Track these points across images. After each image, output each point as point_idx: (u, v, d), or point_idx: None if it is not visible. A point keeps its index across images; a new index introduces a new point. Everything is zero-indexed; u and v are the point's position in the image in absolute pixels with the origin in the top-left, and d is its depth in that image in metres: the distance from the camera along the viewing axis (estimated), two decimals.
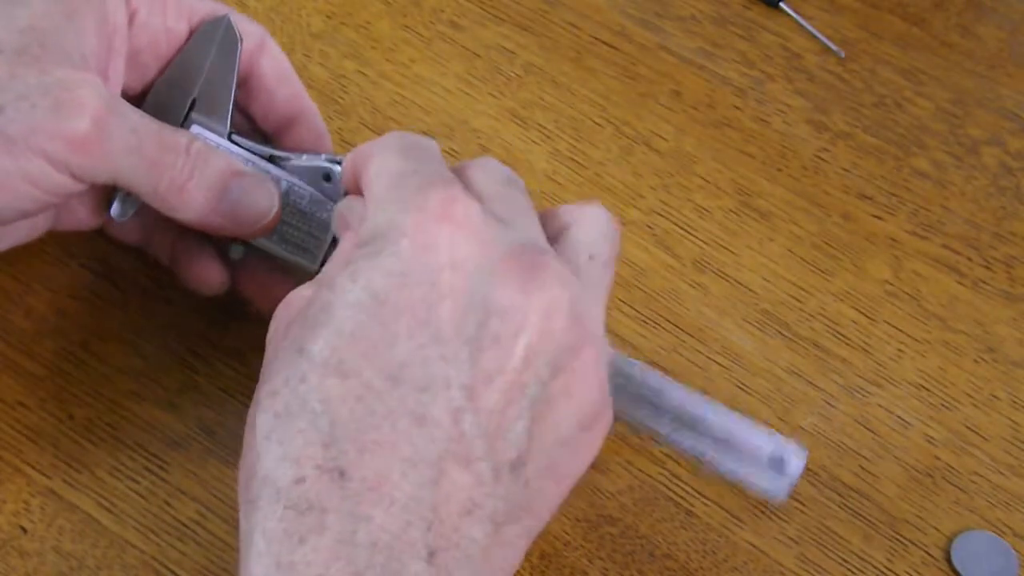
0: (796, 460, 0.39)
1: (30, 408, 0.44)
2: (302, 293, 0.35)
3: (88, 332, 0.45)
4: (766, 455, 0.39)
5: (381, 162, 0.36)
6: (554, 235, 0.37)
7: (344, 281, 0.33)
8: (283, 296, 0.42)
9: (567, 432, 0.34)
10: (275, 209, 0.41)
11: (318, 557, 0.30)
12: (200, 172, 0.39)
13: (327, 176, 0.42)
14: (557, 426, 0.34)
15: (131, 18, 0.42)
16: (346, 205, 0.40)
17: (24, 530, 0.41)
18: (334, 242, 0.42)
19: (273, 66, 0.45)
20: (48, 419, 0.43)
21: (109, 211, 0.42)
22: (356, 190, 0.38)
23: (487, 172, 0.37)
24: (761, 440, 0.40)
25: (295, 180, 0.42)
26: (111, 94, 0.39)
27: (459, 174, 0.36)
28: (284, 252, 0.43)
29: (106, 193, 0.43)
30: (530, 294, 0.33)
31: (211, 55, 0.43)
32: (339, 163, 0.42)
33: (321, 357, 0.32)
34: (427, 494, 0.31)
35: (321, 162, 0.42)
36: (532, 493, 0.34)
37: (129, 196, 0.42)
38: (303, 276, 0.42)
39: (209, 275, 0.43)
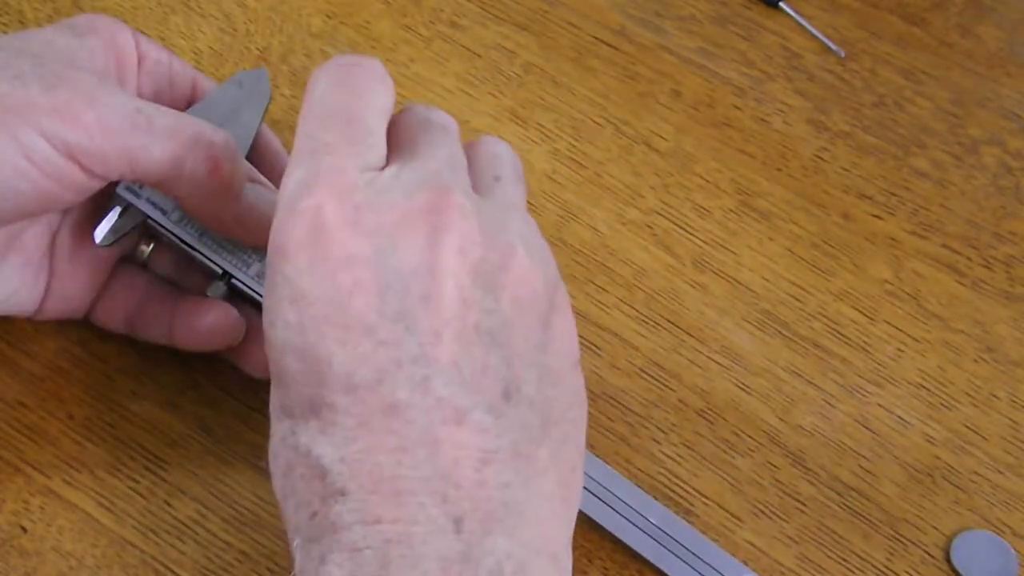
0: None
1: (30, 407, 0.44)
2: None
3: (88, 332, 0.45)
4: None
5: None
6: None
7: (267, 329, 0.32)
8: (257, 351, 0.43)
9: (536, 336, 0.34)
10: None
11: (337, 572, 0.30)
12: (224, 167, 0.39)
13: None
14: (527, 337, 0.33)
15: (140, 60, 0.42)
16: None
17: (24, 529, 0.41)
18: None
19: (269, 143, 0.45)
20: (48, 418, 0.43)
21: (93, 232, 0.41)
22: None
23: (408, 118, 0.36)
24: (727, 564, 0.43)
25: None
26: (115, 85, 0.39)
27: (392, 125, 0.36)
28: None
29: (99, 270, 0.43)
30: (437, 242, 0.32)
31: (241, 100, 0.43)
32: None
33: (294, 408, 0.32)
34: (430, 470, 0.31)
35: None
36: (543, 405, 0.33)
37: (124, 213, 0.41)
38: None
39: (225, 318, 0.42)
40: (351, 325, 0.31)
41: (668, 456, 0.46)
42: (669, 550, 0.43)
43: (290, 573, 0.32)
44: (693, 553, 0.43)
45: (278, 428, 0.33)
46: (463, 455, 0.31)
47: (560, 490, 0.33)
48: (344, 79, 0.35)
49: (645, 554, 0.43)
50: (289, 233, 0.32)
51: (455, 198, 0.33)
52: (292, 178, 0.33)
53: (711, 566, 0.42)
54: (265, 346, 0.33)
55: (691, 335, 0.48)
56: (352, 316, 0.31)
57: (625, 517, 0.43)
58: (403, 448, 0.31)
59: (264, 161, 0.44)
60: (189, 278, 0.44)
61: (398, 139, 0.36)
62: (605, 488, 0.43)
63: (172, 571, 0.41)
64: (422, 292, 0.32)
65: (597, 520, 0.43)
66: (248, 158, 0.43)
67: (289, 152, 0.46)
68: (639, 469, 0.45)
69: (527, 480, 0.32)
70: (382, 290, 0.32)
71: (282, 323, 0.32)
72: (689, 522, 0.44)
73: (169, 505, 0.42)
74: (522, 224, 0.35)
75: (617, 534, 0.43)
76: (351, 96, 0.35)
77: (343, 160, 0.33)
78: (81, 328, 0.45)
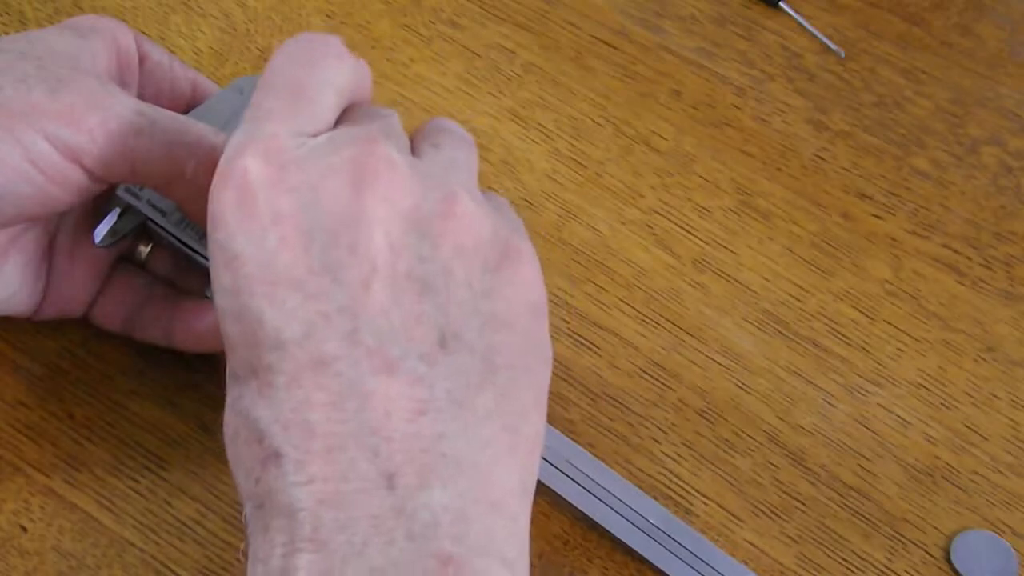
0: None
1: (30, 407, 0.44)
2: None
3: (88, 332, 0.45)
4: None
5: None
6: None
7: (213, 295, 0.33)
8: None
9: (481, 282, 0.33)
10: None
11: (278, 538, 0.30)
12: None
13: None
14: (469, 283, 0.33)
15: (141, 62, 0.42)
16: None
17: (24, 529, 0.41)
18: None
19: None
20: (48, 418, 0.43)
21: (93, 232, 0.41)
22: None
23: (350, 109, 0.36)
24: (727, 565, 0.43)
25: None
26: (117, 88, 0.39)
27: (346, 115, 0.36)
28: None
29: (97, 269, 0.43)
30: (361, 190, 0.32)
31: (241, 105, 0.43)
32: None
33: (238, 372, 0.32)
34: (360, 424, 0.30)
35: None
36: (486, 351, 0.32)
37: (124, 214, 0.41)
38: None
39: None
40: (279, 282, 0.31)
41: (668, 456, 0.46)
42: (669, 550, 0.43)
43: (241, 544, 0.32)
44: (693, 553, 0.43)
45: (229, 396, 0.32)
46: (395, 407, 0.31)
47: (506, 436, 0.32)
48: (298, 53, 0.35)
49: (645, 554, 0.43)
50: (219, 197, 0.32)
51: (380, 148, 0.33)
52: (228, 145, 0.33)
53: (711, 566, 0.42)
54: None
55: (691, 335, 0.48)
56: (280, 273, 0.31)
57: (625, 517, 0.43)
58: (332, 403, 0.31)
59: None
60: (188, 279, 0.44)
61: (340, 122, 0.36)
62: (605, 488, 0.43)
63: (172, 571, 0.41)
64: (349, 242, 0.32)
65: (597, 520, 0.43)
66: None
67: None
68: (639, 469, 0.45)
69: (466, 428, 0.31)
70: (308, 244, 0.32)
71: (220, 288, 0.32)
72: (689, 522, 0.44)
73: (169, 505, 0.42)
74: (467, 177, 0.35)
75: (617, 534, 0.43)
76: (301, 68, 0.35)
77: (278, 126, 0.33)
78: (81, 328, 0.45)
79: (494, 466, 0.32)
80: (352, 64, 0.36)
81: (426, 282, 0.32)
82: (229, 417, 0.32)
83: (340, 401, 0.31)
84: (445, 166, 0.35)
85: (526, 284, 0.34)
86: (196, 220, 0.40)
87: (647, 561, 0.43)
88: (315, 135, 0.34)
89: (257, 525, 0.31)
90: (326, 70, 0.35)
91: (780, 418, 0.47)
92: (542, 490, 0.43)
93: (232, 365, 0.32)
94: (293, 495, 0.30)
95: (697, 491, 0.45)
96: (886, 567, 0.44)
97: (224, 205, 0.32)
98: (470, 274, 0.33)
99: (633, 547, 0.43)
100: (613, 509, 0.43)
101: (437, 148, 0.36)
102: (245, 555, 0.31)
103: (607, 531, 0.43)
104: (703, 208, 0.51)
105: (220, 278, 0.32)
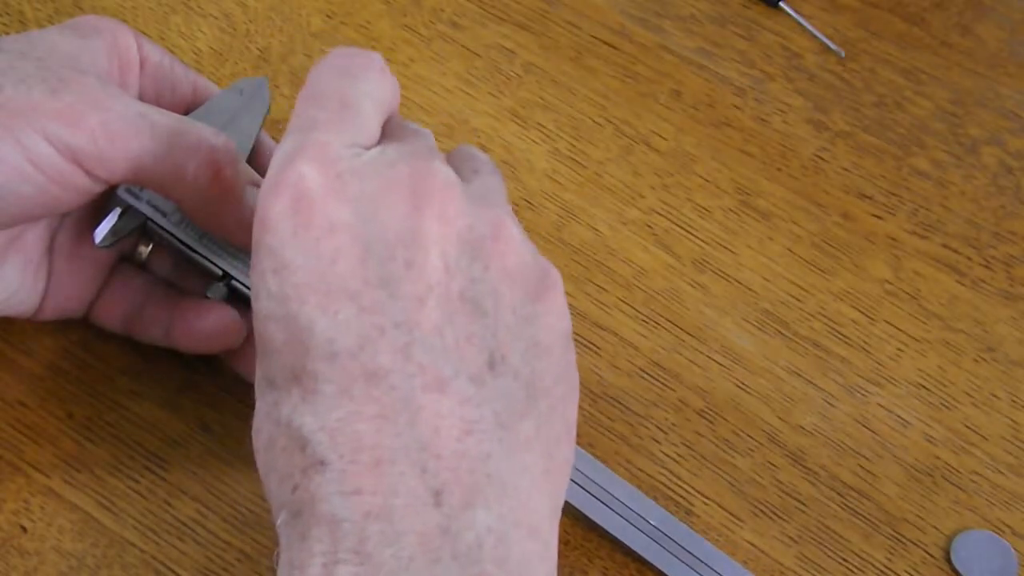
0: None
1: (30, 407, 0.44)
2: None
3: (88, 332, 0.45)
4: None
5: None
6: None
7: (254, 300, 0.32)
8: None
9: (525, 307, 0.34)
10: None
11: (318, 547, 0.30)
12: (226, 172, 0.39)
13: None
14: (515, 308, 0.33)
15: (142, 63, 0.42)
16: None
17: (24, 529, 0.41)
18: None
19: (269, 149, 0.45)
20: (48, 418, 0.43)
21: (93, 232, 0.41)
22: None
23: (389, 123, 0.37)
24: (726, 565, 0.43)
25: None
26: (118, 89, 0.39)
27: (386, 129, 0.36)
28: None
29: (97, 270, 0.43)
30: (420, 208, 0.32)
31: (241, 106, 0.43)
32: None
33: (276, 378, 0.32)
34: (411, 438, 0.30)
35: None
36: (529, 377, 0.33)
37: (125, 214, 0.41)
38: None
39: (224, 320, 0.42)
40: (333, 292, 0.31)
41: (668, 456, 0.46)
42: (669, 551, 0.43)
43: (274, 551, 0.31)
44: (692, 554, 0.43)
45: (262, 402, 0.32)
46: (444, 424, 0.31)
47: (544, 463, 0.33)
48: (342, 66, 0.36)
49: (645, 555, 0.43)
50: (272, 203, 0.32)
51: (437, 167, 0.33)
52: (278, 152, 0.33)
53: (711, 567, 0.42)
54: (252, 319, 0.33)
55: (691, 335, 0.48)
56: (334, 283, 0.31)
57: (625, 518, 0.43)
58: (383, 416, 0.31)
59: (263, 167, 0.44)
60: (188, 280, 0.44)
61: (382, 136, 0.36)
62: (605, 489, 0.43)
63: (172, 571, 0.41)
64: (406, 258, 0.32)
65: (597, 521, 0.43)
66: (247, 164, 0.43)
67: None
68: (639, 469, 0.45)
69: (509, 451, 0.32)
70: (364, 256, 0.32)
71: (265, 294, 0.32)
72: (689, 523, 0.44)
73: (169, 505, 0.42)
74: (506, 204, 0.35)
75: (617, 535, 0.43)
76: (346, 81, 0.35)
77: (329, 135, 0.33)
78: (81, 328, 0.45)
79: (533, 491, 0.32)
80: (392, 80, 0.36)
81: (477, 303, 0.32)
82: (263, 424, 0.32)
83: (391, 415, 0.31)
84: (488, 191, 0.35)
85: (560, 312, 0.35)
86: (197, 221, 0.40)
87: (647, 562, 0.43)
88: (365, 147, 0.34)
89: (293, 533, 0.30)
90: (369, 84, 0.35)
91: (780, 418, 0.47)
92: None
93: (268, 370, 0.32)
94: (337, 505, 0.30)
95: (697, 491, 0.45)
96: (886, 567, 0.44)
97: (277, 211, 0.32)
98: (515, 299, 0.33)
99: (633, 548, 0.43)
100: (613, 510, 0.43)
101: (477, 173, 0.36)
102: (277, 561, 0.31)
103: (607, 532, 0.43)
104: (703, 208, 0.51)
105: (267, 283, 0.32)
